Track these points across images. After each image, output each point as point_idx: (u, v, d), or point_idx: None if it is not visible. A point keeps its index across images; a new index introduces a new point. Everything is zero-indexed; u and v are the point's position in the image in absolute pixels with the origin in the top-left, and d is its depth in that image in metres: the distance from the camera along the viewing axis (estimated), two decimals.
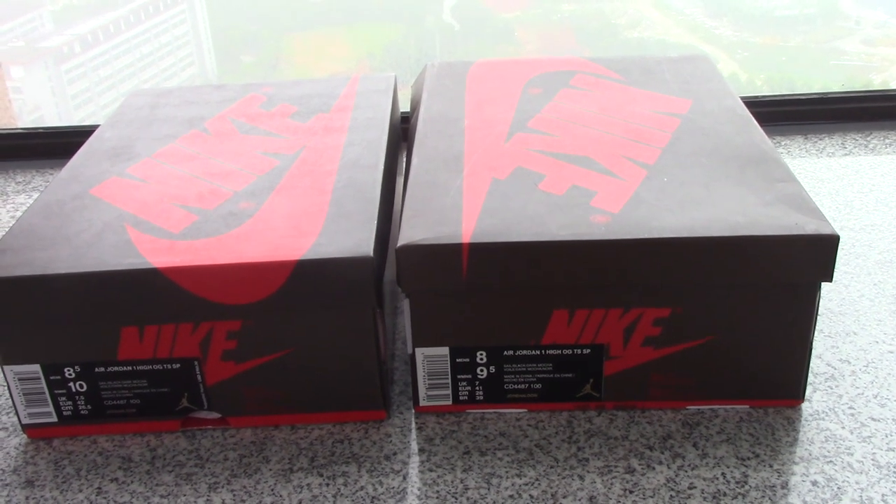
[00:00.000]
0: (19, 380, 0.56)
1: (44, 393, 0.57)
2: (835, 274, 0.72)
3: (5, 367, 0.56)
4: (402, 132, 0.84)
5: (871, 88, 1.00)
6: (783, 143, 0.96)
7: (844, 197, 0.85)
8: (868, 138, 0.97)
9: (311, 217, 0.57)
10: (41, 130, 1.01)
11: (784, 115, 0.99)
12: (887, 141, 0.96)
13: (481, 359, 0.57)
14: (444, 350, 0.57)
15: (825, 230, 0.53)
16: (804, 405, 0.59)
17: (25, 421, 0.58)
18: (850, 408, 0.58)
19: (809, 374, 0.61)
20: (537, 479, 0.53)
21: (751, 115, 0.69)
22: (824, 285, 0.70)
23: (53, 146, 0.97)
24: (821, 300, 0.68)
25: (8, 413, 0.61)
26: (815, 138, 0.97)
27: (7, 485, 0.55)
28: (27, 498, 0.54)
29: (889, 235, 0.78)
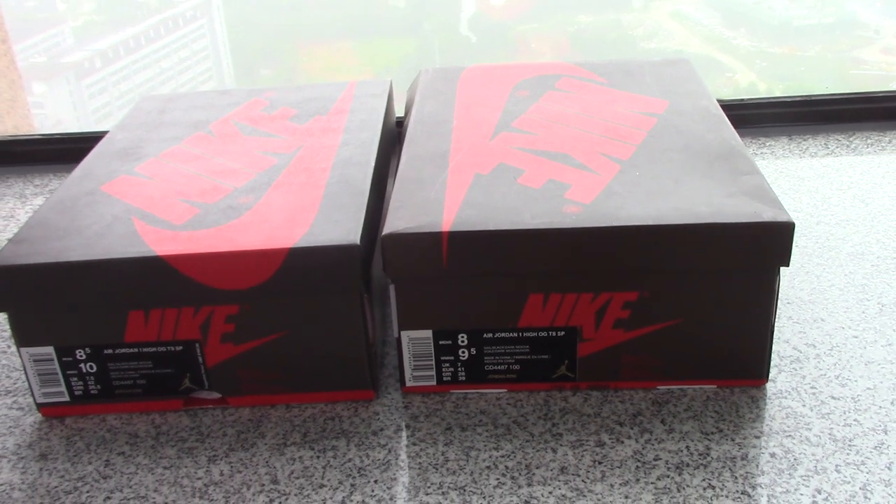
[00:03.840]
0: (34, 361, 0.61)
1: (57, 374, 0.61)
2: (807, 265, 0.76)
3: (21, 349, 0.60)
4: (396, 136, 0.88)
5: (854, 91, 1.04)
6: (768, 144, 1.00)
7: (823, 194, 0.88)
8: (851, 139, 1.00)
9: (304, 210, 0.62)
10: (58, 136, 1.06)
11: (770, 117, 1.03)
12: (869, 141, 0.99)
13: (462, 341, 0.61)
14: (428, 333, 0.61)
15: (782, 217, 0.57)
16: (769, 385, 0.62)
17: (40, 400, 0.62)
18: (812, 387, 0.62)
19: (776, 357, 0.65)
20: (513, 452, 0.57)
21: (724, 115, 0.72)
22: (798, 276, 0.74)
23: (69, 151, 1.02)
24: (793, 290, 0.72)
25: (24, 394, 0.66)
26: (799, 139, 1.01)
27: (23, 458, 0.59)
28: (41, 469, 0.58)
29: (863, 230, 0.81)
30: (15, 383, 0.67)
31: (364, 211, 0.61)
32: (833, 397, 0.61)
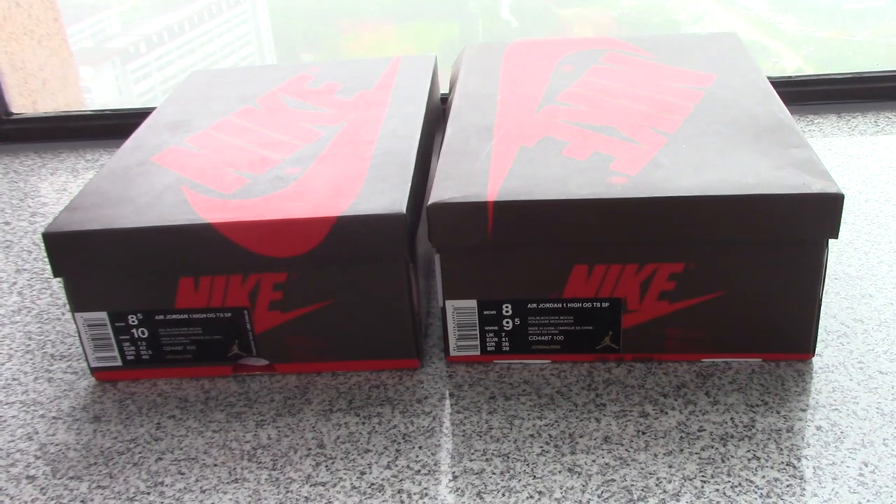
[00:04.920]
0: (88, 326, 0.62)
1: (110, 339, 0.63)
2: (856, 242, 0.75)
3: (76, 314, 0.62)
4: (441, 112, 0.88)
5: None
6: (816, 122, 0.98)
7: (872, 171, 0.87)
8: None
9: (351, 180, 0.62)
10: (109, 112, 1.08)
11: (818, 94, 1.01)
12: None
13: (507, 311, 0.62)
14: (472, 303, 0.61)
15: (831, 189, 0.56)
16: (815, 359, 0.62)
17: (94, 364, 0.64)
18: (860, 362, 0.61)
19: (822, 332, 0.64)
20: (556, 421, 0.58)
21: (771, 88, 0.72)
22: (846, 252, 0.73)
23: (120, 126, 1.03)
24: (841, 266, 0.71)
25: (78, 359, 0.67)
26: (848, 117, 0.99)
27: (77, 419, 0.61)
28: (94, 431, 0.60)
29: None
30: (69, 348, 0.69)
31: (410, 182, 0.62)
32: (881, 372, 0.60)
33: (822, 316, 0.64)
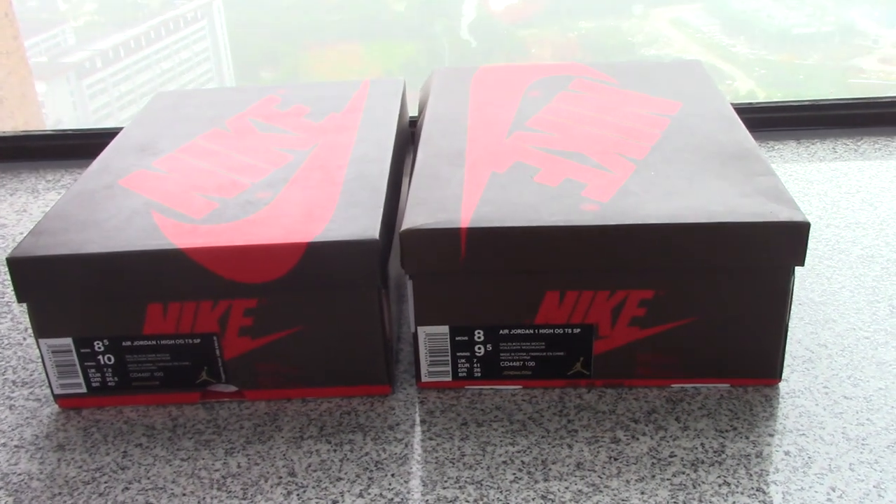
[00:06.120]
0: (52, 352, 0.61)
1: (75, 365, 0.61)
2: (818, 268, 0.76)
3: (40, 341, 0.61)
4: (410, 135, 0.89)
5: (861, 96, 1.04)
6: (776, 148, 1.00)
7: (832, 198, 0.89)
8: (858, 143, 1.01)
9: (322, 205, 0.62)
10: (70, 132, 1.06)
11: (778, 121, 1.03)
12: (877, 146, 1.00)
13: (479, 337, 0.62)
14: (445, 329, 0.61)
15: (797, 217, 0.57)
16: (782, 384, 0.63)
17: (57, 391, 0.63)
18: (825, 387, 0.62)
19: (788, 357, 0.65)
20: (529, 448, 0.58)
21: (736, 116, 0.73)
22: (809, 278, 0.74)
23: (81, 147, 1.02)
24: (804, 292, 0.73)
25: (41, 386, 0.66)
26: (807, 143, 1.02)
27: (40, 448, 0.60)
28: (59, 460, 0.59)
29: (872, 233, 0.82)
30: (31, 375, 0.68)
31: (381, 207, 0.61)
32: (846, 397, 0.61)
33: (787, 341, 0.65)
